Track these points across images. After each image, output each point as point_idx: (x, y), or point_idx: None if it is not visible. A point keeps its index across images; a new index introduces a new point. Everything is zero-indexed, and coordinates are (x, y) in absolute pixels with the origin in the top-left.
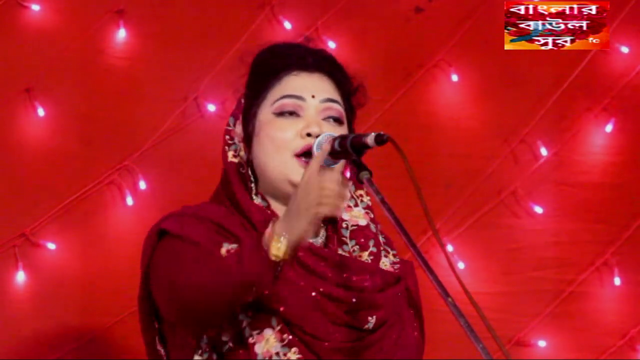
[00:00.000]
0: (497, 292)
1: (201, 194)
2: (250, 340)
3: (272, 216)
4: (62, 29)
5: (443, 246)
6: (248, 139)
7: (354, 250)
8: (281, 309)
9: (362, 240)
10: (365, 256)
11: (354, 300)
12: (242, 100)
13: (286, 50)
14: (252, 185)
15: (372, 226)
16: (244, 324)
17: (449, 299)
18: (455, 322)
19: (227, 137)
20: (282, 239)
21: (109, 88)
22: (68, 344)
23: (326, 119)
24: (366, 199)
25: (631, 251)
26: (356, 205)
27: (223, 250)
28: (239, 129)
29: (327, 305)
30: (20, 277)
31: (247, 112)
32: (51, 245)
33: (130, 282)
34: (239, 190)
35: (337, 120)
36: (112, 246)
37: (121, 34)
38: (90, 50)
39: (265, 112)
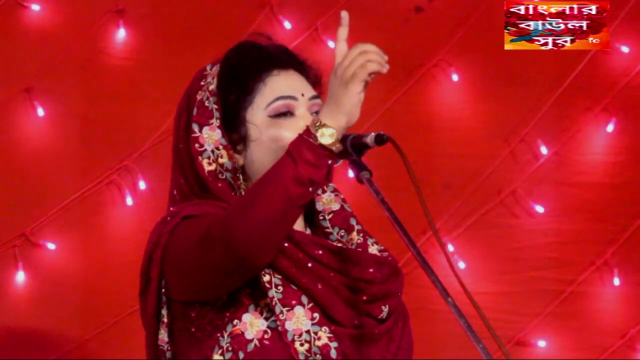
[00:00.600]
0: (497, 292)
1: None
2: (281, 316)
3: None
4: (62, 29)
5: (443, 246)
6: (238, 144)
7: (342, 236)
8: (311, 286)
9: (343, 223)
10: (355, 236)
11: (369, 290)
12: (213, 106)
13: (257, 50)
14: (241, 191)
15: (346, 206)
16: (275, 300)
17: (449, 299)
18: (455, 321)
19: (197, 145)
20: (326, 126)
21: (108, 88)
22: (68, 344)
23: (313, 114)
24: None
25: (631, 251)
26: (324, 191)
27: None
28: (211, 135)
29: (348, 295)
30: (20, 277)
31: (234, 118)
32: (51, 245)
33: (130, 282)
34: (224, 191)
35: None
36: (112, 246)
37: (121, 33)
38: (90, 50)
39: (259, 115)
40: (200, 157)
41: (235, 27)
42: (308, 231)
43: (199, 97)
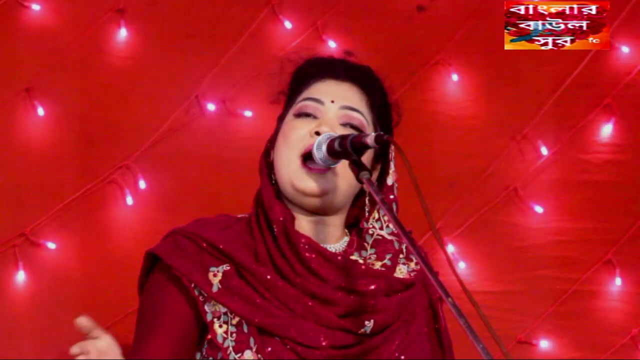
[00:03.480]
0: (499, 291)
1: (201, 193)
2: None
3: (288, 218)
4: (62, 29)
5: (443, 246)
6: (274, 143)
7: (369, 258)
8: (256, 320)
9: (381, 251)
10: (378, 266)
11: (350, 303)
12: None
13: (323, 60)
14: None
15: (396, 243)
16: (229, 350)
17: (449, 299)
18: (455, 321)
19: (269, 144)
20: None
21: (109, 87)
22: (68, 344)
23: (344, 124)
24: (392, 226)
25: (634, 250)
26: (382, 228)
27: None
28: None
29: (319, 310)
30: (20, 277)
31: (280, 118)
32: (51, 245)
33: (130, 281)
34: (267, 193)
35: (356, 129)
36: (112, 246)
37: (122, 33)
38: (90, 49)
39: (289, 114)
40: (265, 156)
41: (236, 26)
42: (346, 239)
43: None
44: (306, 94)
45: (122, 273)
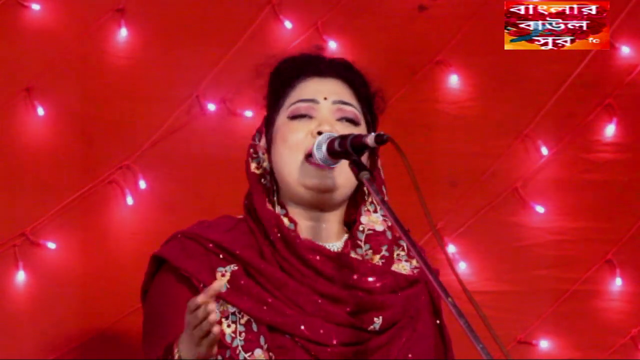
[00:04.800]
0: (500, 291)
1: (201, 193)
2: None
3: (282, 221)
4: (62, 28)
5: (443, 246)
6: (269, 147)
7: (366, 254)
8: (267, 318)
9: (375, 244)
10: (377, 259)
11: (358, 300)
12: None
13: (300, 58)
14: (275, 195)
15: (389, 233)
16: (238, 349)
17: (449, 299)
18: (456, 321)
19: (252, 150)
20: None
21: (109, 87)
22: (68, 344)
23: (340, 119)
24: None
25: (635, 250)
26: (375, 211)
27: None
28: (263, 141)
29: (329, 307)
30: (20, 277)
31: (267, 122)
32: (51, 245)
33: (130, 281)
34: (257, 199)
35: (352, 121)
36: (112, 246)
37: (122, 33)
38: (90, 49)
39: (281, 117)
40: (250, 160)
41: (236, 26)
42: (344, 237)
43: None
44: (295, 95)
45: (122, 273)
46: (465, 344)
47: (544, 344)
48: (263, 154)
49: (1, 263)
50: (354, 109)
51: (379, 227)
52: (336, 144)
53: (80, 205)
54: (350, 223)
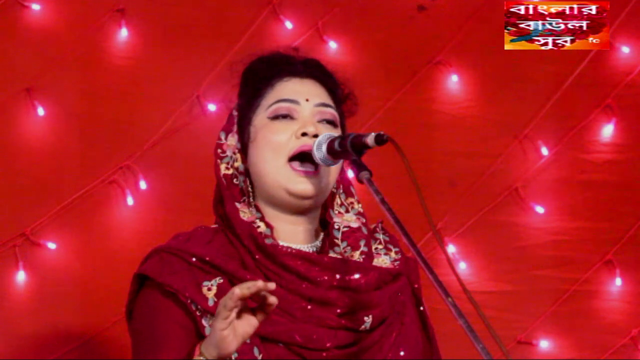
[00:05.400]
0: (499, 291)
1: (201, 193)
2: None
3: (256, 232)
4: (62, 29)
5: (443, 246)
6: (244, 147)
7: (345, 251)
8: (258, 329)
9: (353, 240)
10: (357, 255)
11: (347, 301)
12: (235, 113)
13: (276, 58)
14: (250, 196)
15: (364, 229)
16: None
17: (449, 299)
18: (455, 321)
19: (219, 150)
20: (202, 355)
21: (109, 87)
22: (68, 344)
23: (320, 121)
24: (357, 206)
25: (634, 250)
26: (347, 211)
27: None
28: (231, 140)
29: (319, 312)
30: (20, 277)
31: (242, 121)
32: (51, 245)
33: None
34: (229, 206)
35: (331, 123)
36: (112, 246)
37: (122, 33)
38: (90, 49)
39: (260, 117)
40: (219, 161)
41: (237, 26)
42: (321, 236)
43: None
44: (275, 95)
45: (122, 273)
46: (466, 344)
47: (544, 344)
48: (235, 153)
49: (1, 263)
50: (333, 110)
51: (355, 224)
52: (336, 144)
53: (81, 206)
54: (325, 222)
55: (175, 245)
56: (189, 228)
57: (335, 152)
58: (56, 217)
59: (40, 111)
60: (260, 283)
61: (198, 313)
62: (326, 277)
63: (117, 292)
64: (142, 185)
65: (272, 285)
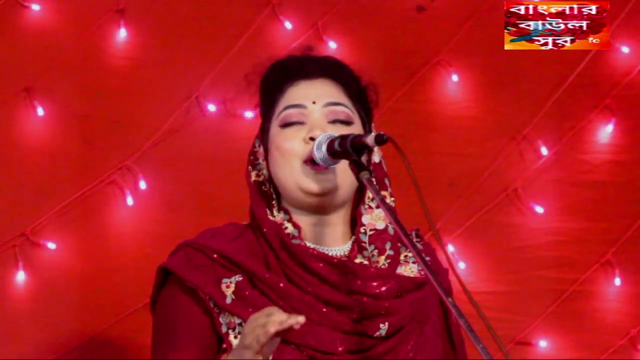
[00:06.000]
0: (498, 292)
1: (201, 194)
2: None
3: (283, 232)
4: (62, 29)
5: (443, 246)
6: (266, 155)
7: (372, 255)
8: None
9: (380, 243)
10: (382, 260)
11: (364, 307)
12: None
13: (286, 62)
14: (275, 201)
15: (390, 228)
16: None
17: (449, 299)
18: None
19: (252, 157)
20: None
21: (109, 88)
22: (68, 344)
23: (333, 122)
24: (390, 200)
25: (633, 250)
26: (378, 206)
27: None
28: (262, 149)
29: (334, 315)
30: (20, 277)
31: (262, 130)
32: (51, 245)
33: (130, 282)
34: (258, 209)
35: (345, 122)
36: (112, 246)
37: (121, 33)
38: (90, 49)
39: (274, 126)
40: (251, 168)
41: (236, 26)
42: (352, 238)
43: None
44: (284, 102)
45: (122, 273)
46: (465, 344)
47: (543, 344)
48: (263, 160)
49: (1, 263)
50: (345, 108)
51: (380, 225)
52: (336, 143)
53: (80, 206)
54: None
55: (201, 241)
56: (189, 228)
57: (335, 152)
58: (56, 217)
59: (40, 111)
60: (292, 320)
61: (216, 310)
62: (346, 282)
63: (117, 292)
64: (142, 185)
65: (302, 319)
